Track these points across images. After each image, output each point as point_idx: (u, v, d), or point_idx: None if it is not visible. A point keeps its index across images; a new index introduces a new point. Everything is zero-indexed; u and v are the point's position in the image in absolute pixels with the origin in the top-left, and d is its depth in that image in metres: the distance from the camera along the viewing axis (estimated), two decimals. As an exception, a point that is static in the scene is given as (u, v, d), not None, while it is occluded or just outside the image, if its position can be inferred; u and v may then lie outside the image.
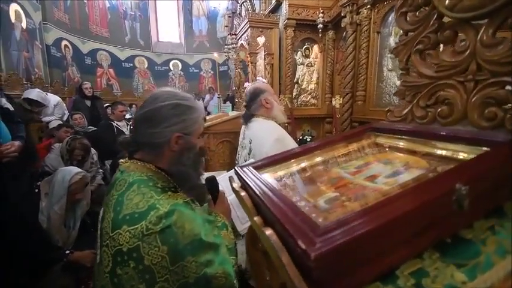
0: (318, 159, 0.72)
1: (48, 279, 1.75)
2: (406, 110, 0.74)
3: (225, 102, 6.75)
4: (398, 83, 2.60)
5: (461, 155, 0.54)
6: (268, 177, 0.63)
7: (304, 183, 0.62)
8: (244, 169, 0.67)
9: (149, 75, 9.49)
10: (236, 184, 0.66)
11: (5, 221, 1.65)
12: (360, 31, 2.84)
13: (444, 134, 0.60)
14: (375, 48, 2.76)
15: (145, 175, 0.84)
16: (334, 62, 3.44)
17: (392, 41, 2.60)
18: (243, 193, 0.59)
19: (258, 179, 0.59)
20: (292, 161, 0.71)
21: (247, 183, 0.59)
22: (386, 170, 0.60)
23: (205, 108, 7.25)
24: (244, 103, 1.70)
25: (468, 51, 0.58)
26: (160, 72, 9.64)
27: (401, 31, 0.75)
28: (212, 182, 1.09)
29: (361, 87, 2.86)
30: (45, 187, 1.77)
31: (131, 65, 9.19)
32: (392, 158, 0.65)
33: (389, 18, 2.60)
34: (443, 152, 0.58)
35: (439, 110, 0.64)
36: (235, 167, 0.70)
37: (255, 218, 0.52)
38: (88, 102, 4.60)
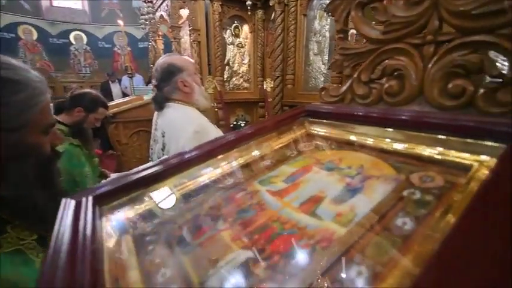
0: (220, 168, 0.48)
1: None
2: (345, 88, 0.57)
3: (147, 84, 5.97)
4: (323, 67, 2.71)
5: (447, 155, 0.38)
6: (116, 220, 0.37)
7: (192, 222, 0.36)
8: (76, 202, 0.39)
9: (41, 50, 7.62)
10: None
11: None
12: (288, 12, 2.80)
13: (407, 118, 0.44)
14: (302, 30, 2.77)
15: None
16: (264, 44, 3.36)
17: (317, 25, 2.64)
18: None
19: (89, 232, 0.32)
20: (174, 177, 0.47)
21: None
22: (331, 183, 0.40)
23: (123, 93, 6.13)
24: (154, 82, 1.34)
25: (428, 1, 0.43)
26: (58, 46, 7.84)
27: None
28: None
29: (290, 70, 2.88)
30: None
31: (12, 35, 7.16)
32: (337, 158, 0.46)
33: (314, 1, 2.61)
34: (417, 149, 0.41)
35: (386, 86, 0.49)
36: (64, 198, 0.42)
37: None
38: None
